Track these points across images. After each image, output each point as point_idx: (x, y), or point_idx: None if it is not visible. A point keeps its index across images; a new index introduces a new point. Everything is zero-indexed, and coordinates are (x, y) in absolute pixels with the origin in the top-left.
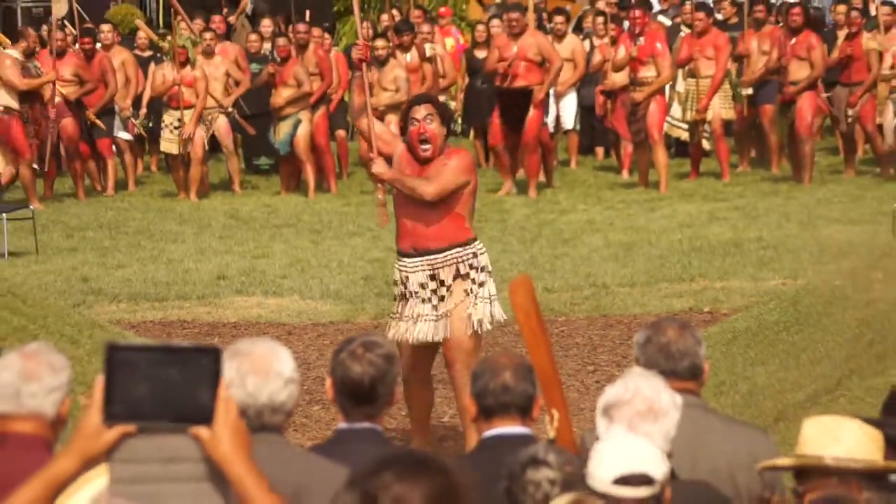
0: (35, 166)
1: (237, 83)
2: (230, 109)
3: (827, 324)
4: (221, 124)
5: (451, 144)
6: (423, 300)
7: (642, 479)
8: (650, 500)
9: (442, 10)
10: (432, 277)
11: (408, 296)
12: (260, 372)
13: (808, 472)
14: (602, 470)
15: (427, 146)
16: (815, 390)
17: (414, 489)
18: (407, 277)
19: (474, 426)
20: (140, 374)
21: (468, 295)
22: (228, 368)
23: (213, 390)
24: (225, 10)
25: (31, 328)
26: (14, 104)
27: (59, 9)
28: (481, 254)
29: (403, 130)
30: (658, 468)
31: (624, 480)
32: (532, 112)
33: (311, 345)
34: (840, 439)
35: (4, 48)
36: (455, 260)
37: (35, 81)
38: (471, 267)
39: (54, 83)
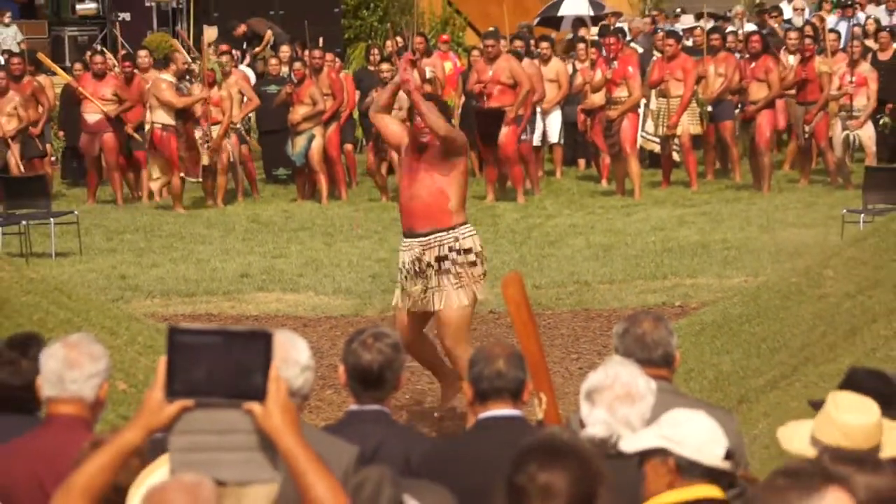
0: (183, 175)
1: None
2: (237, 125)
3: (784, 316)
4: (232, 138)
5: None
6: (413, 275)
7: (731, 454)
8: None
9: (442, 36)
10: (418, 259)
11: (402, 270)
12: (279, 359)
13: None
14: (715, 446)
15: (426, 135)
16: (773, 376)
17: (558, 476)
18: (402, 254)
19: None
20: (199, 355)
21: (447, 274)
22: None
23: (265, 370)
24: (244, 46)
25: (76, 321)
26: (171, 121)
27: (211, 35)
28: (464, 237)
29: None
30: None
31: (728, 455)
32: (506, 129)
33: (325, 336)
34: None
35: (51, 73)
36: (437, 243)
37: (189, 99)
38: (450, 249)
39: (207, 100)
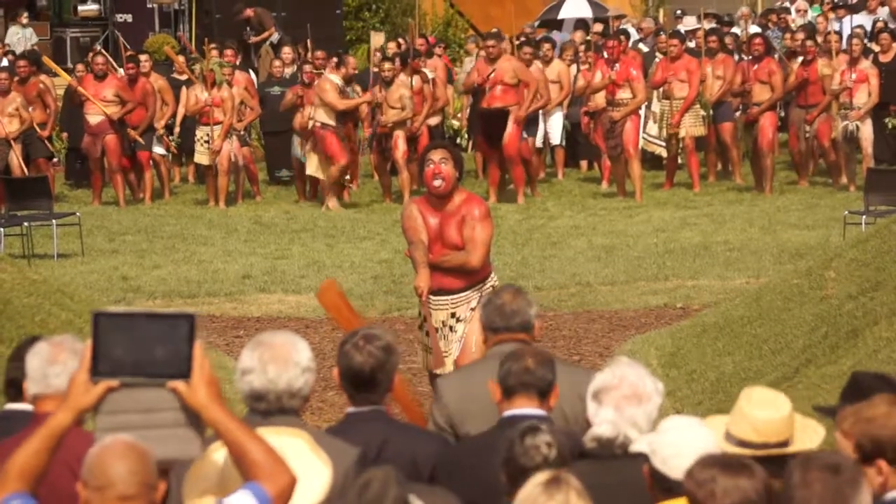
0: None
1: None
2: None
3: (786, 318)
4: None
5: (462, 189)
6: (443, 338)
7: None
8: None
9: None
10: (452, 315)
11: (428, 330)
12: (279, 360)
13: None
14: (681, 460)
15: (440, 182)
16: (776, 377)
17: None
18: (430, 313)
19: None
20: (123, 337)
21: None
22: (251, 357)
23: (189, 350)
24: (247, 31)
25: (78, 322)
26: (330, 121)
27: (377, 40)
28: (497, 286)
29: (420, 173)
30: None
31: None
32: (510, 129)
33: (327, 337)
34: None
35: (56, 73)
36: (475, 296)
37: (351, 102)
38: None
39: (369, 103)
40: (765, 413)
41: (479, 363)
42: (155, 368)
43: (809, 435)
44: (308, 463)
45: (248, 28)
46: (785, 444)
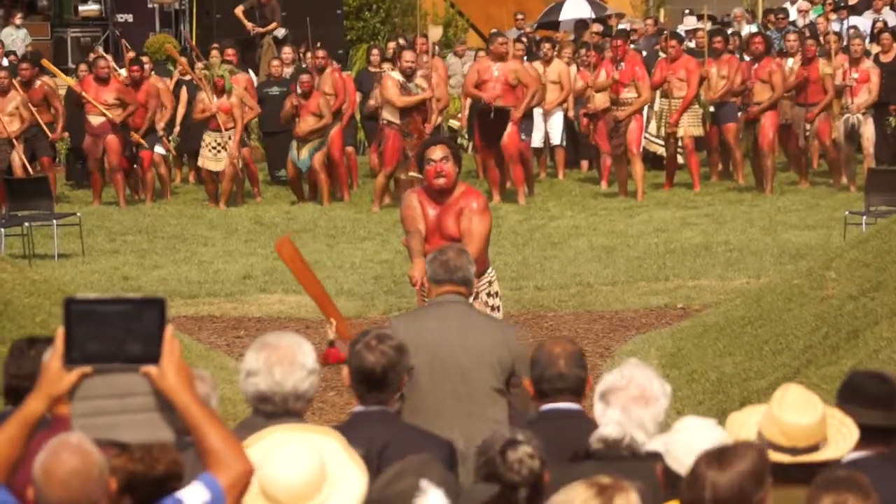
0: (413, 174)
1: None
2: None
3: (786, 318)
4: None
5: (462, 182)
6: None
7: None
8: None
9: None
10: None
11: None
12: (286, 362)
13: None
14: (693, 459)
15: (442, 179)
16: (776, 378)
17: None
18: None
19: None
20: (95, 323)
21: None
22: (256, 359)
23: (160, 335)
24: (255, 16)
25: None
26: (395, 119)
27: (435, 34)
28: (495, 280)
29: (420, 169)
30: None
31: None
32: (510, 128)
33: (327, 338)
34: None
35: (54, 75)
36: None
37: (411, 99)
38: (488, 295)
39: (427, 101)
40: (794, 417)
41: (426, 308)
42: (127, 353)
43: (844, 435)
44: (345, 466)
45: (257, 14)
46: (815, 448)
